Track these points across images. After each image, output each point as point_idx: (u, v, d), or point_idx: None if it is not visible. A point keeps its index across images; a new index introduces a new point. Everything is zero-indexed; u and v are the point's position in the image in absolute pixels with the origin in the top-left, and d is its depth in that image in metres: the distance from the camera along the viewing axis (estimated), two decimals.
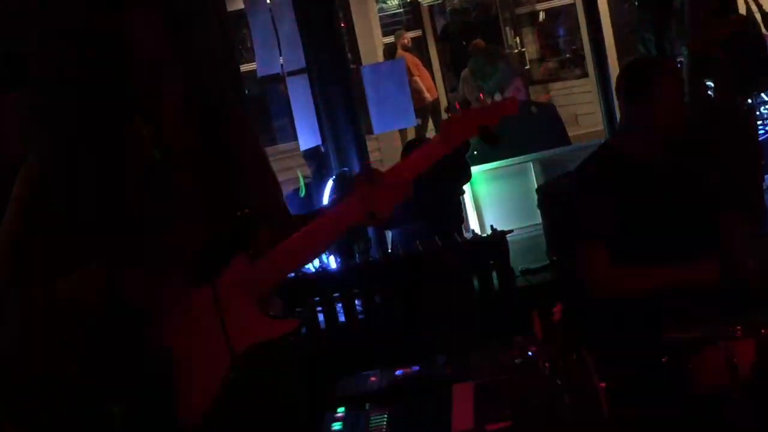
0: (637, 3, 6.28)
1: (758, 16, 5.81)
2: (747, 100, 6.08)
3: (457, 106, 2.31)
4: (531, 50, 15.11)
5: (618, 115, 5.91)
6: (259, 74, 6.83)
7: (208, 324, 2.26)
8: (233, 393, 2.28)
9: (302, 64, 6.54)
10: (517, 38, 15.14)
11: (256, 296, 2.30)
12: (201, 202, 2.31)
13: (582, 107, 13.00)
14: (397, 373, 2.95)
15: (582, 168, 4.24)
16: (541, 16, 15.42)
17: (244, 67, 8.90)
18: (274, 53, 6.55)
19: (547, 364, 2.65)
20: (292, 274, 4.84)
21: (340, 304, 5.06)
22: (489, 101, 2.40)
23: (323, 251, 2.46)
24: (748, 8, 5.95)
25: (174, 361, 2.23)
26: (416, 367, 2.94)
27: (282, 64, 6.65)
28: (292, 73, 6.63)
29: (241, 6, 6.98)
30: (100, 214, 2.24)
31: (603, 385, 2.57)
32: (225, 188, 2.36)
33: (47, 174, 2.26)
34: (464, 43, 14.21)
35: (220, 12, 5.31)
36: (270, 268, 2.31)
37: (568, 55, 14.69)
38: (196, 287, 2.27)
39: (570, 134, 9.30)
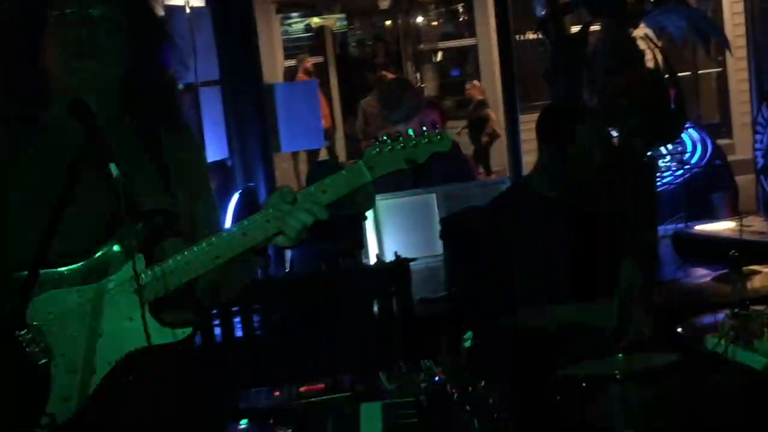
0: (550, 49, 6.40)
1: (661, 61, 6.00)
2: (648, 152, 6.28)
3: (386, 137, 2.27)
4: (429, 87, 15.31)
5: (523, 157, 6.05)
6: None
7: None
8: (119, 397, 2.25)
9: (216, 75, 6.50)
10: (418, 74, 15.33)
11: (148, 301, 2.24)
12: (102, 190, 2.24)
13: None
14: (301, 389, 2.93)
15: (494, 203, 4.31)
16: (439, 55, 15.68)
17: None
18: (189, 62, 6.49)
19: (454, 390, 2.68)
20: None
21: (238, 318, 5.03)
22: (415, 134, 2.28)
23: (222, 264, 2.36)
24: (656, 62, 6.15)
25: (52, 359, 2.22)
26: (321, 385, 2.94)
27: (196, 74, 6.59)
28: (205, 84, 6.58)
29: (160, 13, 6.90)
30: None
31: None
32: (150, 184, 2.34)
33: None
34: (366, 73, 14.34)
35: None
36: (166, 275, 2.26)
37: (464, 96, 14.89)
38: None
39: None
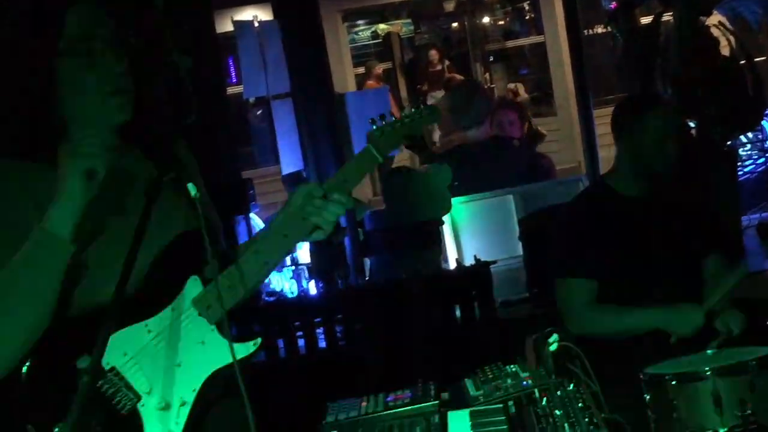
0: (622, 41, 6.34)
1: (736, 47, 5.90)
2: (727, 141, 6.17)
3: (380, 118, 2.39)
4: (500, 87, 15.24)
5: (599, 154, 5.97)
6: (245, 96, 6.85)
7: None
8: (212, 421, 2.26)
9: (287, 88, 6.55)
10: (487, 74, 15.27)
11: (215, 320, 2.25)
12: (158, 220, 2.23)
13: (551, 145, 13.10)
14: (388, 398, 2.91)
15: (574, 202, 4.26)
16: (510, 53, 15.59)
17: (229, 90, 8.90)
18: (261, 76, 6.56)
19: (543, 395, 2.64)
20: (271, 299, 4.86)
21: (321, 330, 5.05)
22: (412, 112, 2.44)
23: (272, 268, 2.42)
24: (732, 48, 6.05)
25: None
26: (408, 393, 2.91)
27: (267, 87, 6.66)
28: (276, 97, 6.63)
29: (229, 29, 6.99)
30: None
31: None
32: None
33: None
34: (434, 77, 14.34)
35: (208, 33, 5.30)
36: (225, 292, 2.26)
37: (536, 93, 14.81)
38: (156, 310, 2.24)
39: None
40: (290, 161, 6.72)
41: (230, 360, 2.24)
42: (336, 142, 6.67)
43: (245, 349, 2.28)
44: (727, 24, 6.15)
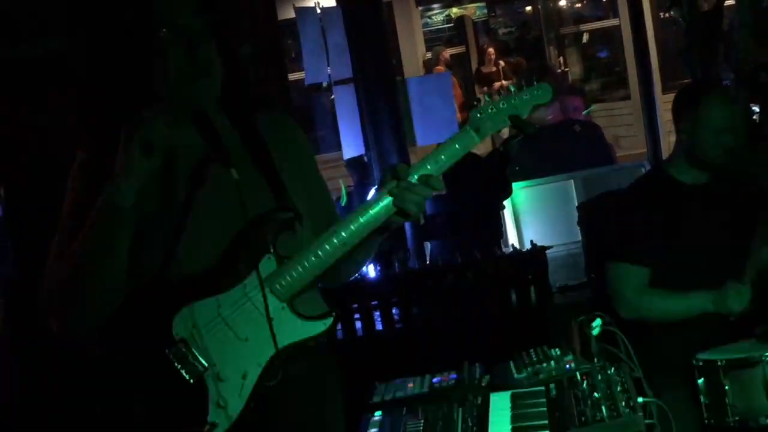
0: (684, 26, 6.28)
1: None
2: None
3: (486, 96, 2.28)
4: (574, 71, 15.13)
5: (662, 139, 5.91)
6: (307, 82, 6.91)
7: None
8: (269, 398, 2.30)
9: (349, 73, 6.60)
10: (561, 58, 15.17)
11: (287, 297, 2.30)
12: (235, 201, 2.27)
13: (623, 129, 12.99)
14: (435, 380, 2.97)
15: (631, 188, 4.26)
16: (585, 37, 15.44)
17: (291, 77, 8.99)
18: (322, 62, 6.63)
19: (584, 377, 2.68)
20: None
21: (378, 312, 5.12)
22: (519, 91, 2.32)
23: (357, 251, 2.39)
24: None
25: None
26: (453, 375, 2.97)
27: (329, 74, 6.72)
28: (338, 82, 6.69)
29: (291, 15, 7.07)
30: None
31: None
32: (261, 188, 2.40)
33: (95, 165, 2.32)
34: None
35: (270, 20, 5.38)
36: (301, 271, 2.30)
37: (611, 77, 14.70)
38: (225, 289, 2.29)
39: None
40: (352, 146, 6.79)
41: (298, 338, 2.31)
42: (398, 127, 6.72)
43: (315, 327, 2.32)
44: None
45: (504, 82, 12.79)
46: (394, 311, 5.12)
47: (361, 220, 2.30)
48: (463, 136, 2.30)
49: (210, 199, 2.30)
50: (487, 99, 2.30)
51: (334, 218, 2.52)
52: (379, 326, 5.11)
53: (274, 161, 2.40)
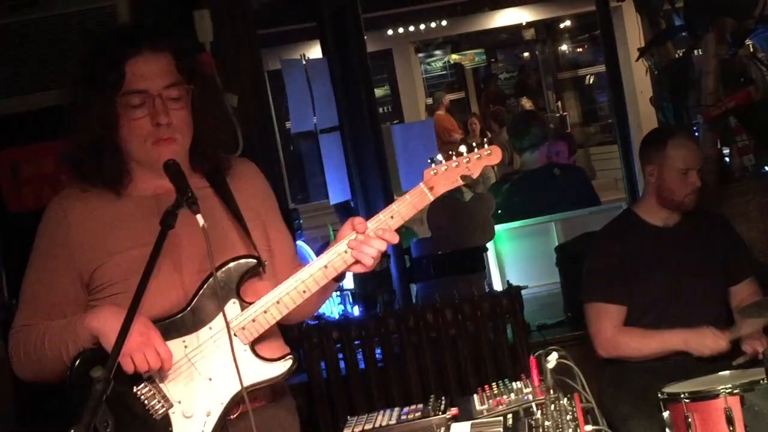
0: (656, 72, 6.48)
1: None
2: (761, 170, 6.25)
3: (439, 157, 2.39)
4: (572, 114, 15.27)
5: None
6: (293, 131, 7.07)
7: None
8: None
9: (335, 122, 6.74)
10: (559, 102, 15.33)
11: (248, 340, 2.44)
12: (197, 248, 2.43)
13: (616, 172, 13.10)
14: (403, 411, 3.12)
15: (602, 230, 4.44)
16: (588, 79, 15.57)
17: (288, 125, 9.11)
18: (308, 111, 6.78)
19: (539, 407, 2.85)
20: (314, 322, 5.09)
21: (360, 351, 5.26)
22: (470, 152, 2.42)
23: (316, 299, 2.53)
24: (763, 77, 6.14)
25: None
26: (421, 407, 3.12)
27: (315, 123, 6.87)
28: (324, 131, 6.84)
29: (278, 66, 7.24)
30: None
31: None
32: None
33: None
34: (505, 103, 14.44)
35: (256, 71, 5.55)
36: (261, 316, 2.43)
37: (609, 120, 14.86)
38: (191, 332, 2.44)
39: (609, 198, 9.55)
40: (338, 191, 6.94)
41: (260, 379, 2.46)
42: (383, 174, 6.86)
43: (275, 369, 2.48)
44: (759, 54, 6.26)
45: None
46: (377, 350, 5.25)
47: (321, 270, 2.44)
48: (417, 194, 2.43)
49: (178, 244, 2.47)
50: (440, 160, 2.43)
51: (295, 263, 2.69)
52: (362, 365, 5.25)
53: (239, 209, 2.57)
